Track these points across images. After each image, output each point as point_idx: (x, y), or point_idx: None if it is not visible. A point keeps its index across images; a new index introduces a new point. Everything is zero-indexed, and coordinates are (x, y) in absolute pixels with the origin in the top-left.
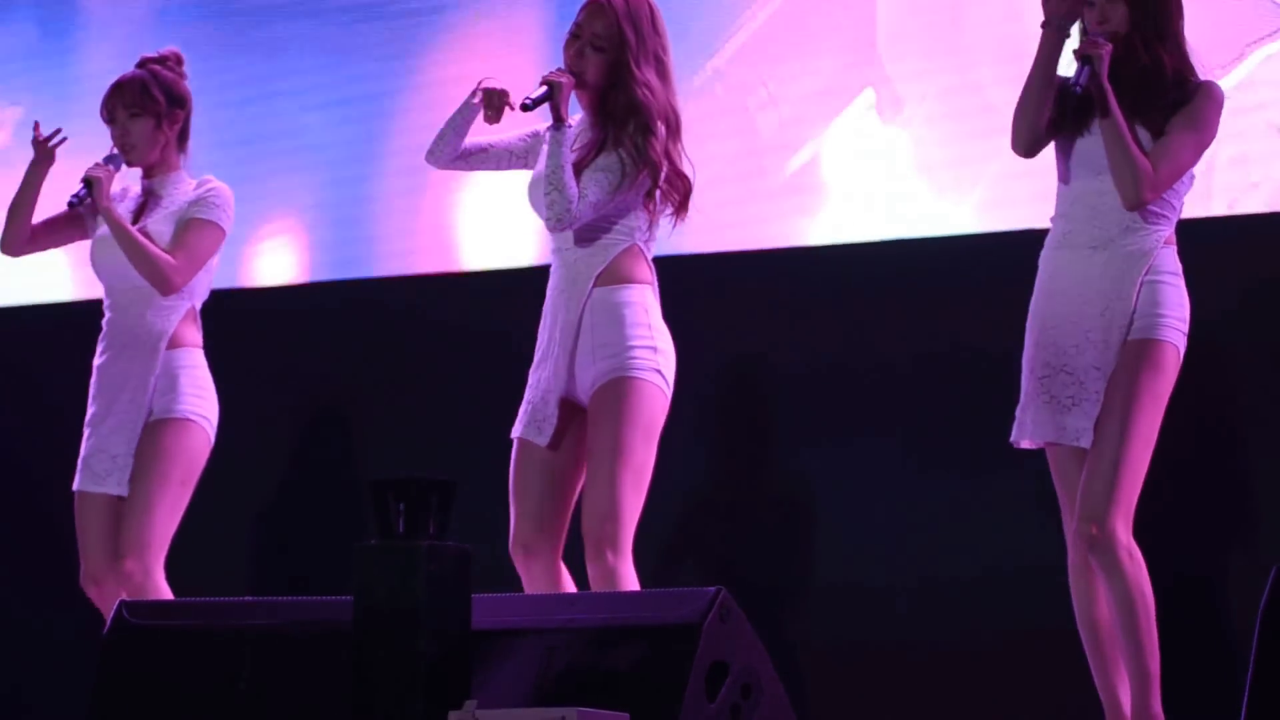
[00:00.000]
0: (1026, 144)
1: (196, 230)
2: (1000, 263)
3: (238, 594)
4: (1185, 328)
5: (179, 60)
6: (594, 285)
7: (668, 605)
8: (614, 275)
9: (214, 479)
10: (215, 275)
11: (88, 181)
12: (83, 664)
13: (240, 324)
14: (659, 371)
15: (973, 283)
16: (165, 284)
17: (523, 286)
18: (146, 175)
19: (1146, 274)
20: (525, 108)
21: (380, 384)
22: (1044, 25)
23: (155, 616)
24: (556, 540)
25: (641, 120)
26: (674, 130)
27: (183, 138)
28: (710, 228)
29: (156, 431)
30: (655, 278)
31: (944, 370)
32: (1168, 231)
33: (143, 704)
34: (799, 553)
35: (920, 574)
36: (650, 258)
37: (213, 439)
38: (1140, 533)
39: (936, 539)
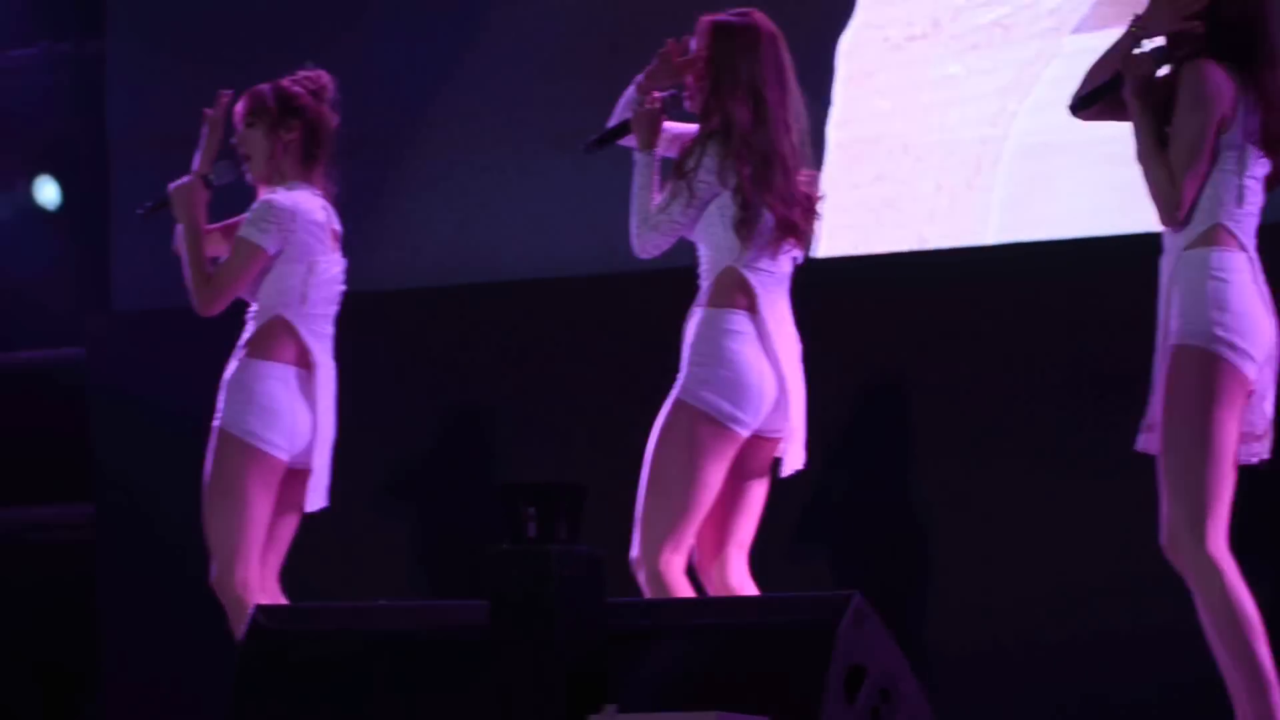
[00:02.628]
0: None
1: (235, 249)
2: (1121, 269)
3: (376, 598)
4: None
5: (315, 81)
6: (696, 305)
7: (804, 609)
8: (704, 298)
9: (354, 483)
10: (349, 280)
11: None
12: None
13: (381, 328)
14: (699, 393)
15: (1103, 288)
16: (195, 305)
17: (660, 290)
18: (261, 189)
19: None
20: None
21: (520, 388)
22: (1128, 95)
23: (291, 622)
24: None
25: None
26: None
27: (308, 152)
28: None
29: (215, 440)
30: (758, 297)
31: (1077, 376)
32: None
33: (281, 707)
34: (933, 557)
35: (1055, 580)
36: (759, 275)
37: (270, 453)
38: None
39: (1072, 545)
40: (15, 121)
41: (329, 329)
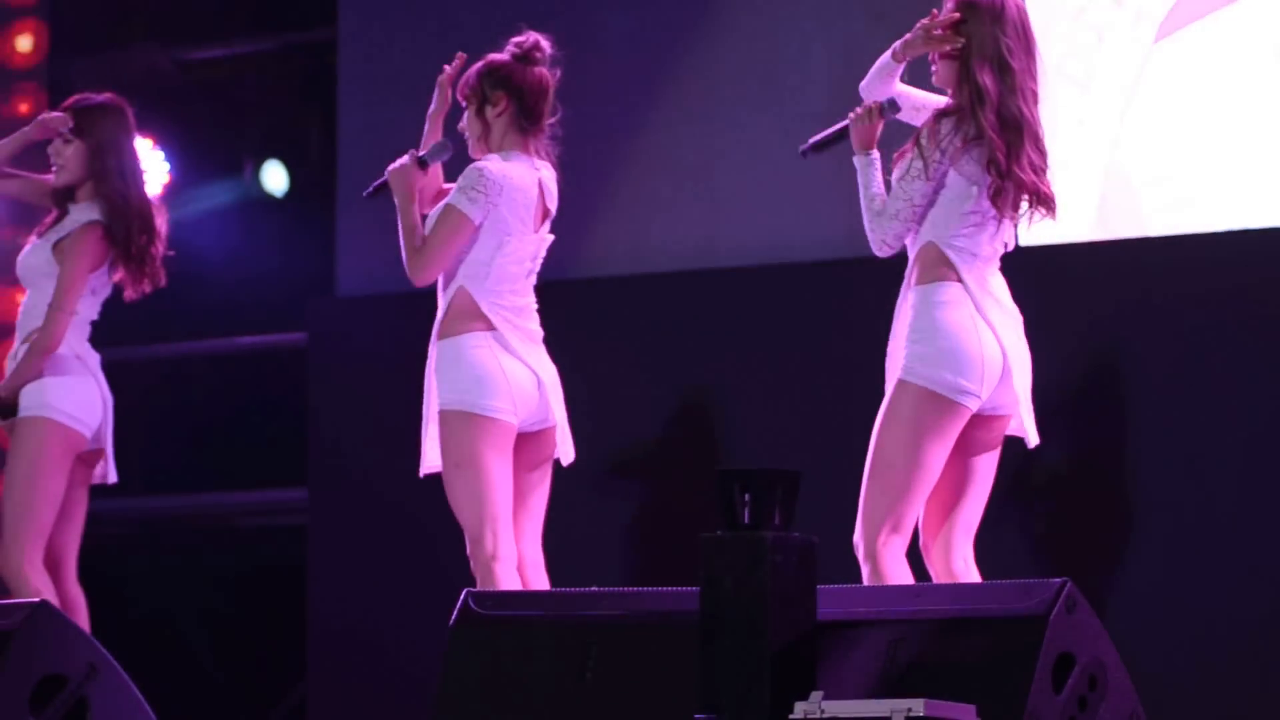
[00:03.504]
0: None
1: (443, 217)
2: None
3: (592, 584)
4: None
5: (522, 45)
6: (907, 288)
7: (1014, 596)
8: (912, 278)
9: (570, 466)
10: (570, 266)
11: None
12: (430, 656)
13: (603, 313)
14: (920, 370)
15: None
16: (409, 275)
17: (885, 277)
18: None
19: None
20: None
21: (738, 374)
22: None
23: (501, 606)
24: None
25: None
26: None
27: (519, 122)
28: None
29: (440, 424)
30: (961, 270)
31: None
32: None
33: (488, 692)
34: (1146, 544)
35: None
36: (960, 254)
37: (495, 418)
38: None
39: None
40: (245, 108)
41: (516, 301)
